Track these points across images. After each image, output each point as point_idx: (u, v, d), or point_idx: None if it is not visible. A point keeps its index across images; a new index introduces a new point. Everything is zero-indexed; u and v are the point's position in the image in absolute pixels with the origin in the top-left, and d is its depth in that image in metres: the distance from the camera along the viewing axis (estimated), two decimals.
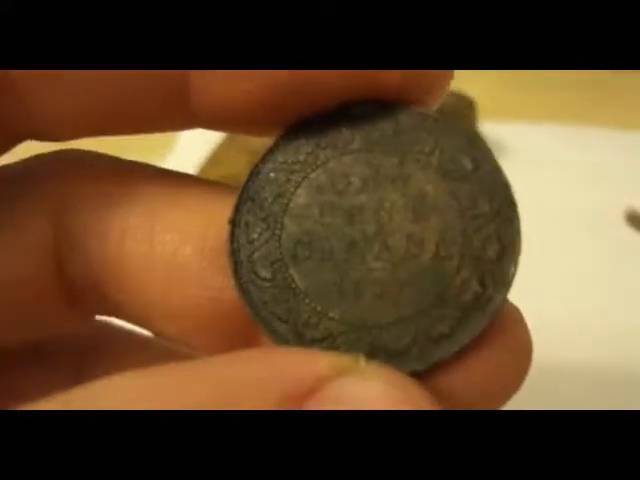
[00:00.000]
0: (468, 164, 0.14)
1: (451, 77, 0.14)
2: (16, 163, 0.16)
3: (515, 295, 0.14)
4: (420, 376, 0.13)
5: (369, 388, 0.12)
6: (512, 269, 0.13)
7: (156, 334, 0.17)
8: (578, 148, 0.48)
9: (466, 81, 0.45)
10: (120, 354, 0.19)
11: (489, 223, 0.13)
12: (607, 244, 0.40)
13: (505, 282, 0.13)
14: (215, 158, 0.44)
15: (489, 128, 0.47)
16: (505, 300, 0.13)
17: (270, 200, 0.14)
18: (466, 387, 0.13)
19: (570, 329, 0.34)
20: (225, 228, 0.14)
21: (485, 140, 0.14)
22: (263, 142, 0.15)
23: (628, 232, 0.41)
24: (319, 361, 0.12)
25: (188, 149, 0.45)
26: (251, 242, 0.14)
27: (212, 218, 0.15)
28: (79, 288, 0.16)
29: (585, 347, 0.33)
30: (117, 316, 0.17)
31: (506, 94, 0.54)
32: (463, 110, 0.44)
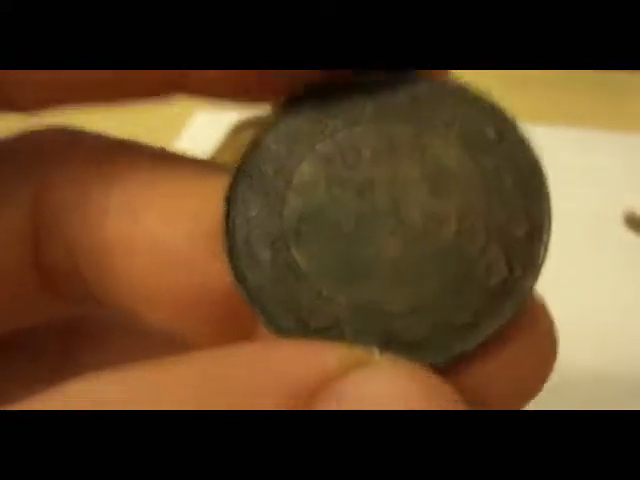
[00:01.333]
0: (492, 134, 0.12)
1: None
2: None
3: None
4: (439, 370, 0.11)
5: (387, 384, 0.10)
6: (542, 251, 0.12)
7: (141, 320, 0.16)
8: (577, 150, 0.48)
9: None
10: (106, 337, 0.18)
11: (517, 199, 0.12)
12: (605, 246, 0.40)
13: (534, 265, 0.12)
14: (215, 156, 0.43)
15: None
16: (534, 285, 0.12)
17: (271, 174, 0.13)
18: (489, 383, 0.12)
19: (569, 331, 0.33)
20: (220, 207, 0.13)
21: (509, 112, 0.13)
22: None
23: (626, 234, 0.41)
24: (327, 354, 0.11)
25: (189, 146, 0.45)
26: (249, 220, 0.13)
27: (205, 197, 0.14)
28: (59, 273, 0.15)
29: (584, 349, 0.33)
30: (100, 302, 0.16)
31: (505, 96, 0.54)
32: None
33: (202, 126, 0.37)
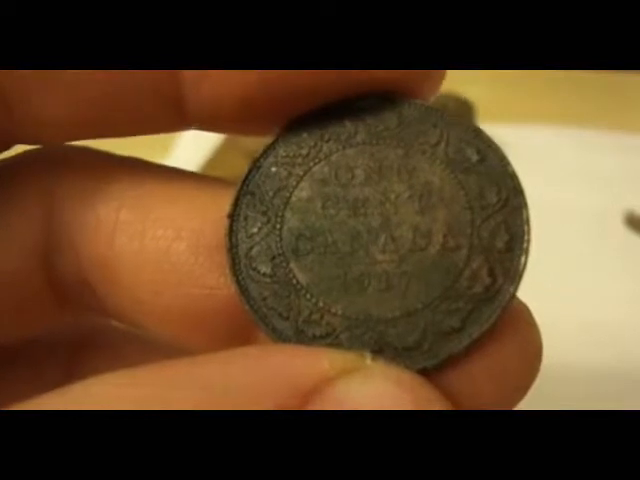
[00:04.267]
0: (474, 155, 0.13)
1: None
2: (6, 159, 0.16)
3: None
4: (429, 374, 0.12)
5: (376, 389, 0.11)
6: (522, 259, 0.13)
7: (149, 333, 0.16)
8: (578, 150, 0.48)
9: (465, 83, 0.45)
10: (112, 350, 0.19)
11: (497, 213, 0.13)
12: (606, 246, 0.40)
13: (515, 273, 0.13)
14: (214, 160, 0.43)
15: (488, 130, 0.47)
16: (516, 292, 0.13)
17: (271, 194, 0.14)
18: (476, 386, 0.13)
19: (569, 332, 0.34)
20: (222, 223, 0.14)
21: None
22: (263, 144, 0.15)
23: (627, 234, 0.41)
24: (321, 359, 0.11)
25: (186, 152, 0.45)
26: (250, 236, 0.14)
27: (207, 213, 0.15)
28: (69, 286, 0.16)
29: (584, 350, 0.33)
30: (109, 315, 0.16)
31: (505, 96, 0.54)
32: (462, 113, 0.44)
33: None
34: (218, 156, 0.44)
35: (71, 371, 0.18)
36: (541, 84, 0.54)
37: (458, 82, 0.42)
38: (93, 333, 0.19)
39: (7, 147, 0.15)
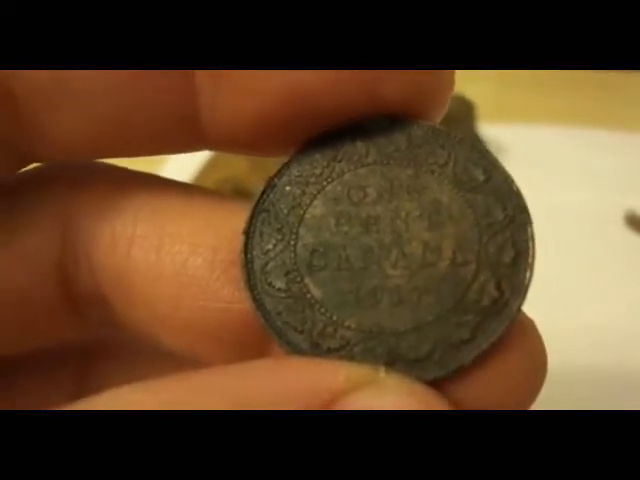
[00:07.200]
0: (480, 175, 0.14)
1: (452, 87, 0.15)
2: (23, 173, 0.16)
3: None
4: (439, 384, 0.13)
5: (389, 401, 0.11)
6: (528, 274, 0.13)
7: (164, 347, 0.16)
8: (578, 150, 0.48)
9: (465, 83, 0.45)
10: (123, 361, 0.19)
11: (504, 230, 0.14)
12: (606, 246, 0.41)
13: (521, 287, 0.13)
14: (214, 161, 0.43)
15: (489, 130, 0.47)
16: (522, 305, 0.13)
17: (285, 211, 0.14)
18: (484, 395, 0.13)
19: (568, 332, 0.34)
20: (237, 239, 0.14)
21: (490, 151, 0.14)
22: None
23: (627, 234, 0.41)
24: (336, 372, 0.12)
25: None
26: (265, 253, 0.14)
27: (222, 230, 0.15)
28: (85, 300, 0.16)
29: (584, 351, 0.34)
30: (124, 328, 0.17)
31: (506, 96, 0.54)
32: (463, 113, 0.44)
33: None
34: (218, 157, 0.44)
35: (82, 381, 0.19)
36: (542, 83, 0.55)
37: (458, 81, 0.42)
38: (104, 343, 0.19)
39: (25, 165, 0.16)
